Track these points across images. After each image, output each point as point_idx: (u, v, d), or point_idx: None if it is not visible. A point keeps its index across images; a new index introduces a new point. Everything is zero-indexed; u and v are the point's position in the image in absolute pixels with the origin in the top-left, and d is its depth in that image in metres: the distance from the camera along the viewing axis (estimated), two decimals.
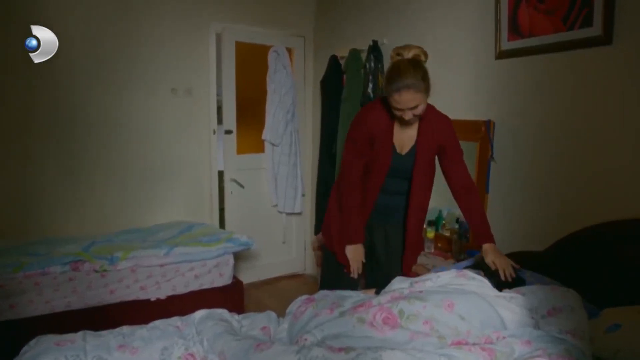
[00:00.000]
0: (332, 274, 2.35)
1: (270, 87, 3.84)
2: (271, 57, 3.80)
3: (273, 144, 3.89)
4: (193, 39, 3.61)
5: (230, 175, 3.80)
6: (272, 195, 3.99)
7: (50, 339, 1.51)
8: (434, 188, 3.06)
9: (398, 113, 1.96)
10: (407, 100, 1.89)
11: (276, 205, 4.01)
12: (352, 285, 2.18)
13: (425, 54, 1.98)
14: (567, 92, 2.16)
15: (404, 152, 2.13)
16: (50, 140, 3.15)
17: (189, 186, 3.73)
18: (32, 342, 1.51)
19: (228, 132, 3.76)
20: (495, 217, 2.51)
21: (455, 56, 2.74)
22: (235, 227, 3.74)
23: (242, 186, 3.82)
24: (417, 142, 2.10)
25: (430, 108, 2.06)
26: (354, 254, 2.18)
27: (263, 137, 3.88)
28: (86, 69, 3.21)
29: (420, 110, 1.94)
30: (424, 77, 1.91)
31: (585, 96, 2.08)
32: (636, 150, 1.90)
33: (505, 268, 1.84)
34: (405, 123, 2.03)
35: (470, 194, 2.12)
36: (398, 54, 1.96)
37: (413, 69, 1.89)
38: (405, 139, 2.12)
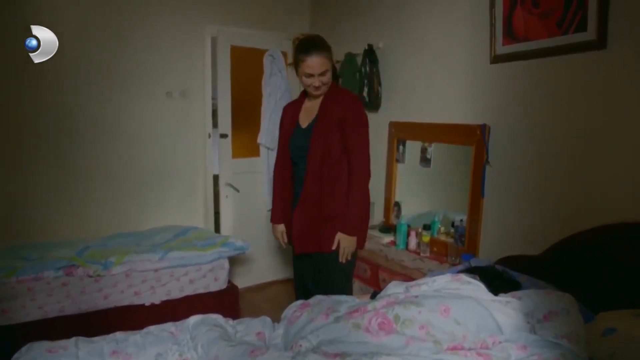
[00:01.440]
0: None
1: (265, 91, 3.83)
2: (266, 60, 3.80)
3: (268, 148, 3.88)
4: (188, 42, 3.60)
5: (226, 179, 3.79)
6: (267, 200, 3.98)
7: (42, 346, 1.50)
8: (429, 190, 3.08)
9: (309, 80, 2.16)
10: (318, 63, 2.11)
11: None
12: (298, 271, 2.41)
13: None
14: (561, 96, 2.17)
15: (305, 125, 2.25)
16: (43, 142, 3.12)
17: (184, 190, 3.72)
18: (24, 349, 1.50)
19: (223, 135, 3.76)
20: (491, 221, 2.52)
21: (450, 61, 2.75)
22: (231, 231, 3.73)
23: (237, 190, 3.81)
24: (318, 113, 2.22)
25: (343, 89, 2.28)
26: (274, 232, 2.46)
27: (258, 141, 3.88)
28: (80, 72, 3.20)
29: (327, 78, 2.17)
30: (328, 49, 2.18)
31: (580, 100, 2.09)
32: (632, 153, 1.91)
33: (343, 254, 2.16)
34: (315, 94, 2.21)
35: (351, 178, 2.18)
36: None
37: (320, 39, 2.19)
38: (309, 113, 2.26)
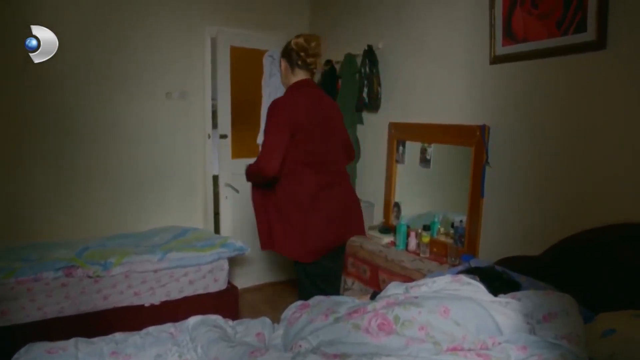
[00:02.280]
0: None
1: (265, 92, 3.83)
2: (266, 61, 3.80)
3: None
4: (188, 43, 3.61)
5: (225, 180, 3.78)
6: None
7: (41, 347, 1.50)
8: (428, 191, 3.09)
9: None
10: None
11: None
12: None
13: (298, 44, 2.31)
14: (561, 97, 2.17)
15: None
16: (42, 143, 3.12)
17: (184, 191, 3.72)
18: (23, 350, 1.49)
19: (223, 136, 3.75)
20: (491, 221, 2.52)
21: (450, 61, 2.74)
22: (230, 232, 3.73)
23: (237, 191, 3.81)
24: None
25: (290, 88, 2.35)
26: None
27: (258, 141, 3.87)
28: (80, 72, 3.20)
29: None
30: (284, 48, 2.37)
31: (580, 100, 2.09)
32: (632, 153, 1.91)
33: None
34: None
35: None
36: None
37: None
38: None
